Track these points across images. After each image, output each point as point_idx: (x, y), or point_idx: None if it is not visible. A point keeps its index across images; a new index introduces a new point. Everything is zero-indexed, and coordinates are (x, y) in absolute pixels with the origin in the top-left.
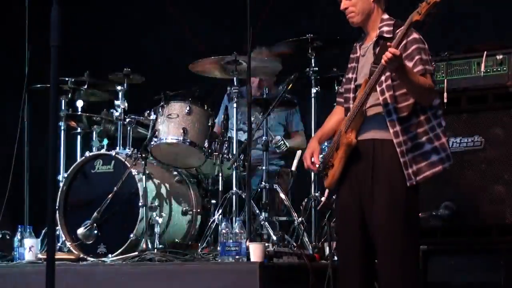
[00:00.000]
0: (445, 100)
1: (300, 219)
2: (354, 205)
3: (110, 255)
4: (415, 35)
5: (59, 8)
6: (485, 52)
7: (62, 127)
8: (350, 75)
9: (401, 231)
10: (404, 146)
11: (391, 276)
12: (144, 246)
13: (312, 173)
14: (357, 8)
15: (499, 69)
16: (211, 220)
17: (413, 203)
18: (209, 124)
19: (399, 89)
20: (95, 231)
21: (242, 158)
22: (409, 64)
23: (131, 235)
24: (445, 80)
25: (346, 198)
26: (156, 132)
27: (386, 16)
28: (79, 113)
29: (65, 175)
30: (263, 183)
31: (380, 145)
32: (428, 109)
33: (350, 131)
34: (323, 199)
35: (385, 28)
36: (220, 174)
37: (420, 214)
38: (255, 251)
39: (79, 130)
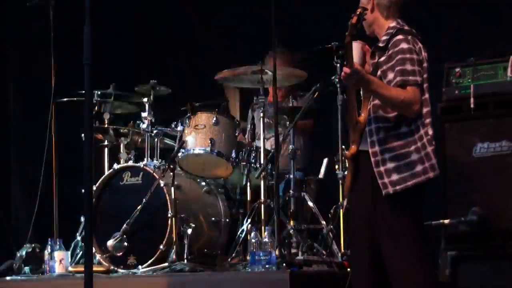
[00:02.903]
0: (472, 106)
1: (328, 227)
2: (360, 216)
3: (140, 267)
4: (402, 45)
5: (92, 27)
6: (511, 57)
7: None
8: None
9: (393, 243)
10: (379, 156)
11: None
12: (174, 257)
13: (340, 181)
14: (365, 21)
15: None
16: (240, 229)
17: (398, 211)
18: (236, 134)
19: None
20: (125, 243)
21: (269, 167)
22: (390, 75)
23: (161, 246)
24: (472, 85)
25: (354, 208)
26: (184, 143)
27: (393, 23)
28: (106, 125)
29: (94, 187)
30: (290, 191)
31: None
32: (418, 119)
33: (351, 142)
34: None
35: (384, 38)
36: (248, 184)
37: (447, 220)
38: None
39: (106, 142)
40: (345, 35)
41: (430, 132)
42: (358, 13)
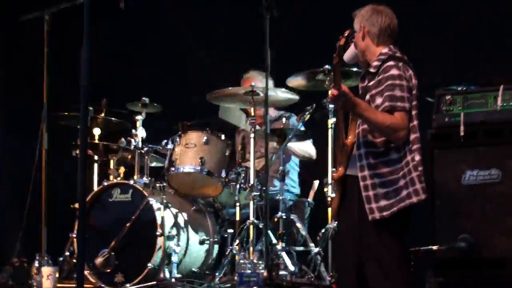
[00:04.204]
0: (462, 133)
1: (317, 249)
2: (347, 239)
3: (128, 284)
4: (393, 72)
5: (89, 49)
6: (502, 86)
7: (78, 156)
8: None
9: (377, 266)
10: (368, 180)
11: None
12: (161, 275)
13: (329, 204)
14: (357, 49)
15: None
16: (228, 249)
17: (383, 237)
18: (227, 153)
19: None
20: (113, 260)
21: (259, 187)
22: (379, 100)
23: (149, 264)
24: (462, 113)
25: (342, 231)
26: (174, 162)
27: (385, 50)
28: (96, 141)
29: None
30: (279, 213)
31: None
32: (405, 145)
33: (338, 165)
34: None
35: (375, 63)
36: (237, 204)
37: (435, 246)
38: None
39: (96, 158)
40: (333, 56)
41: (417, 158)
42: (346, 34)
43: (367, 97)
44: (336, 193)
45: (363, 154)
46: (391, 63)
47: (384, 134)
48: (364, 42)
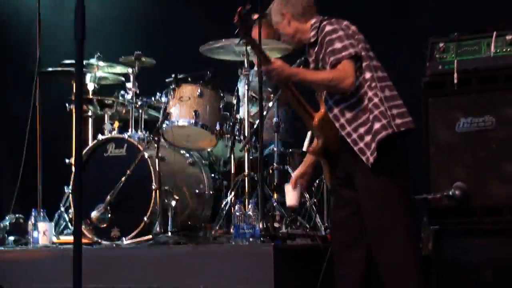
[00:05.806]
0: (455, 81)
1: (312, 200)
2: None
3: (123, 239)
4: (327, 28)
5: (83, 2)
6: (495, 33)
7: (73, 111)
8: None
9: (379, 217)
10: (354, 135)
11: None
12: (157, 229)
13: None
14: (286, 37)
15: (509, 49)
16: (224, 202)
17: (384, 181)
18: (221, 106)
19: None
20: (109, 215)
21: (253, 139)
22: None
23: (145, 218)
24: (455, 60)
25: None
26: (168, 115)
27: (314, 20)
28: (90, 96)
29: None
30: (274, 164)
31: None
32: (362, 87)
33: (317, 137)
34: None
35: (312, 34)
36: (232, 156)
37: (428, 195)
38: (290, 194)
39: (90, 113)
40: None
41: (380, 94)
42: (238, 11)
43: (320, 64)
44: (324, 165)
45: (338, 113)
46: (323, 23)
47: (332, 89)
48: (291, 27)
